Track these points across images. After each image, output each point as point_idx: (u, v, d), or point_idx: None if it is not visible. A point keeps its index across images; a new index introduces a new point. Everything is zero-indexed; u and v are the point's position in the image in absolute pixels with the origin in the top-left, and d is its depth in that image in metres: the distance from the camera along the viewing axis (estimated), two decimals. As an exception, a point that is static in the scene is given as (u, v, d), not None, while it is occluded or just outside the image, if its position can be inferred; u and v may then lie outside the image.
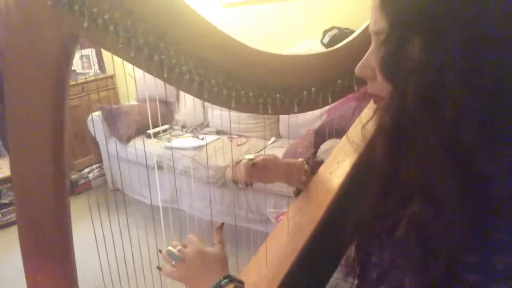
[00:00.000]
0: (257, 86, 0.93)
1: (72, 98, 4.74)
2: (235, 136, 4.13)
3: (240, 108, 0.93)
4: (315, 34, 3.86)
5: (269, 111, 0.95)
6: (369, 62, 0.77)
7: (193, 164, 3.68)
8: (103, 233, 1.43)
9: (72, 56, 0.84)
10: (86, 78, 4.94)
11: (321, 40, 3.77)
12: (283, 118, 4.07)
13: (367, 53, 0.78)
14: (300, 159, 1.43)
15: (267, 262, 1.21)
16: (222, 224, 1.15)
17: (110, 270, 1.54)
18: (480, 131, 0.60)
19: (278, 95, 0.95)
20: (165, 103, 4.65)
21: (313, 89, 0.98)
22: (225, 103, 0.92)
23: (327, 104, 1.01)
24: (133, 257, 1.64)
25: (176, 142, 4.00)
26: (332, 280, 1.21)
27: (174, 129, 4.46)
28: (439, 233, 0.65)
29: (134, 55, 0.80)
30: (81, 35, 0.80)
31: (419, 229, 0.69)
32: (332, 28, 3.71)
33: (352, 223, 0.89)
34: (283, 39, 4.12)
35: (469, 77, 0.59)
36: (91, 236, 1.50)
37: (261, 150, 3.91)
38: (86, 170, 4.85)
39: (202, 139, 4.02)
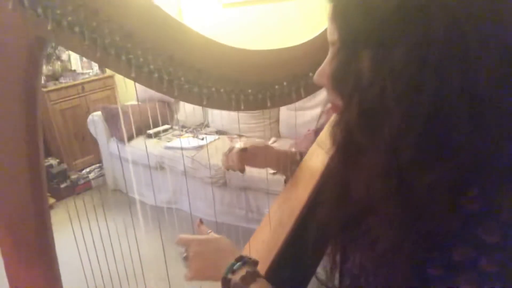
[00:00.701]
0: (229, 82, 0.93)
1: (72, 98, 4.78)
2: (235, 136, 4.13)
3: (212, 105, 0.94)
4: (315, 34, 3.84)
5: (242, 107, 0.95)
6: (325, 71, 0.77)
7: (193, 164, 3.69)
8: (107, 232, 1.45)
9: (41, 59, 0.84)
10: (86, 78, 4.97)
11: (320, 40, 3.76)
12: (283, 118, 4.08)
13: (324, 62, 0.78)
14: (293, 150, 1.46)
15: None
16: (201, 220, 1.16)
17: (113, 269, 1.54)
18: (418, 149, 0.60)
19: (250, 90, 0.96)
20: (165, 103, 4.66)
21: (285, 83, 0.98)
22: (197, 101, 0.92)
23: (301, 98, 1.01)
24: (130, 257, 1.65)
25: (176, 142, 4.01)
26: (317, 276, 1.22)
27: (174, 129, 4.47)
28: (393, 243, 0.66)
29: (100, 55, 0.81)
30: (47, 38, 0.80)
31: (377, 239, 0.70)
32: (332, 28, 3.71)
33: (319, 229, 0.89)
34: (283, 39, 4.12)
35: (409, 97, 0.59)
36: (91, 236, 1.52)
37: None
38: (86, 170, 4.87)
39: (202, 139, 4.03)
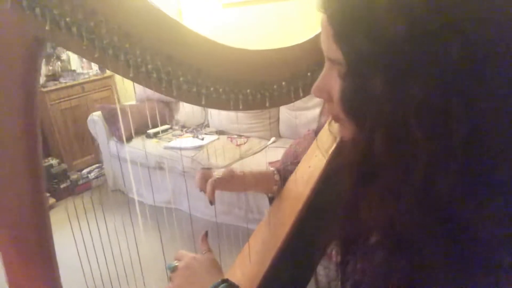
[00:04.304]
0: (227, 82, 0.92)
1: (72, 98, 4.79)
2: (235, 136, 4.14)
3: (211, 104, 0.93)
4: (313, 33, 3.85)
5: (240, 107, 0.95)
6: (324, 84, 0.74)
7: (193, 164, 3.69)
8: (107, 232, 1.45)
9: (40, 60, 0.83)
10: (86, 78, 4.96)
11: (321, 40, 3.76)
12: (283, 118, 4.08)
13: (322, 74, 0.75)
14: (271, 169, 1.44)
15: (250, 259, 1.21)
16: (206, 232, 1.15)
17: (112, 269, 1.55)
18: (456, 179, 0.56)
19: (249, 90, 0.95)
20: (165, 103, 4.66)
21: (283, 83, 0.98)
22: (195, 100, 0.92)
23: (299, 98, 1.00)
24: (130, 258, 1.65)
25: (176, 142, 4.01)
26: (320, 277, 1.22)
27: (174, 129, 4.47)
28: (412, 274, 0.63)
29: (99, 56, 0.80)
30: (45, 38, 0.80)
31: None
32: (331, 28, 3.70)
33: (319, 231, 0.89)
34: (283, 39, 4.12)
35: (437, 129, 0.56)
36: (90, 236, 1.52)
37: (261, 150, 3.92)
38: (86, 170, 4.88)
39: (202, 139, 4.03)
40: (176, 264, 1.03)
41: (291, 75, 0.98)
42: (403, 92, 0.57)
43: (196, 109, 4.44)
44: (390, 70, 0.58)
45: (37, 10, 0.75)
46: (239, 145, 3.97)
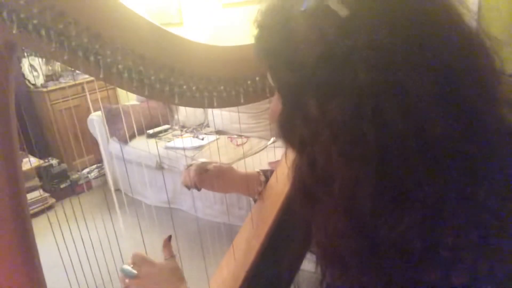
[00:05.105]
0: (200, 79, 0.93)
1: (72, 98, 4.82)
2: (235, 136, 4.14)
3: (184, 103, 0.94)
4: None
5: (215, 105, 0.96)
6: (275, 109, 0.76)
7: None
8: (107, 232, 1.45)
9: (11, 62, 0.84)
10: (86, 78, 4.93)
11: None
12: (283, 118, 4.06)
13: (274, 100, 0.79)
14: (257, 170, 1.44)
15: (235, 257, 1.22)
16: (170, 237, 1.14)
17: (113, 269, 1.55)
18: (374, 198, 0.58)
19: (222, 87, 0.96)
20: (165, 103, 4.66)
21: (257, 78, 0.98)
22: (169, 99, 0.92)
23: (274, 94, 1.01)
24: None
25: (176, 142, 4.02)
26: (306, 274, 1.22)
27: (174, 129, 4.47)
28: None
29: (68, 57, 0.81)
30: (15, 42, 0.80)
31: None
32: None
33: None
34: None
35: (353, 150, 0.58)
36: (91, 236, 1.52)
37: (261, 150, 3.91)
38: (86, 170, 4.88)
39: (202, 139, 4.03)
40: (135, 272, 1.03)
41: (264, 71, 0.98)
42: (324, 116, 0.60)
43: (196, 109, 4.44)
44: (313, 97, 0.61)
45: (5, 13, 0.75)
46: (239, 145, 3.97)
